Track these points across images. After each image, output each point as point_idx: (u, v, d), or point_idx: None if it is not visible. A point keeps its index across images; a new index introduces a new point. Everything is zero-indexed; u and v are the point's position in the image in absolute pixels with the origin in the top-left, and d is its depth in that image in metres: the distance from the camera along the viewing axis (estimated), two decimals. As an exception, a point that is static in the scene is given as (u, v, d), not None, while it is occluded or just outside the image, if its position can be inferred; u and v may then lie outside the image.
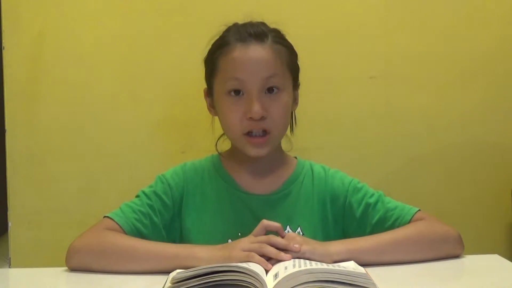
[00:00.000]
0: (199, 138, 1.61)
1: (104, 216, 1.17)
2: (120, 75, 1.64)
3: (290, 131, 1.31)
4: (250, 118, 1.16)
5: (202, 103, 1.31)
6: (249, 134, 1.18)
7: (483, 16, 1.67)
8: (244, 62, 1.17)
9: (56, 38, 1.63)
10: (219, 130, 1.32)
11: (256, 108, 1.15)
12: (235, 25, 1.24)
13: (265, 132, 1.18)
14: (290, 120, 1.27)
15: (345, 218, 1.24)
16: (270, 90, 1.18)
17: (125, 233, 1.15)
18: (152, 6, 1.63)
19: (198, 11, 1.63)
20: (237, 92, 1.18)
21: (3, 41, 1.62)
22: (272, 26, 1.24)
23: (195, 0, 1.63)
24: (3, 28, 1.62)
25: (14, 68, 1.63)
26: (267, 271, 0.97)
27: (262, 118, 1.16)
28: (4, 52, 1.63)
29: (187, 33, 1.62)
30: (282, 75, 1.20)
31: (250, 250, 1.02)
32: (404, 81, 1.67)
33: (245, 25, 1.22)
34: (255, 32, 1.19)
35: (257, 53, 1.18)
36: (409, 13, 1.66)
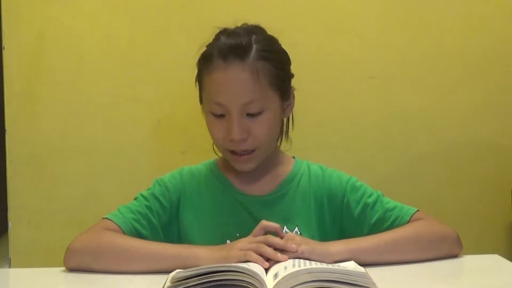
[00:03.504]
0: (199, 138, 1.61)
1: (102, 218, 1.17)
2: (120, 75, 1.64)
3: (285, 136, 1.30)
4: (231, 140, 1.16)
5: (203, 103, 1.31)
6: (233, 152, 1.18)
7: (483, 16, 1.66)
8: (223, 85, 1.15)
9: (56, 38, 1.63)
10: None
11: (235, 133, 1.14)
12: (223, 33, 1.19)
13: (249, 150, 1.17)
14: (280, 129, 1.25)
15: (343, 217, 1.24)
16: (250, 114, 1.16)
17: (124, 233, 1.14)
18: (152, 6, 1.63)
19: (198, 11, 1.63)
20: (219, 114, 1.17)
21: (3, 41, 1.62)
22: (269, 29, 1.22)
23: (195, 0, 1.64)
24: (3, 28, 1.62)
25: (14, 68, 1.63)
26: (266, 271, 0.98)
27: (243, 140, 1.16)
28: (4, 52, 1.63)
29: (187, 33, 1.62)
30: (262, 98, 1.16)
31: (247, 250, 1.02)
32: (404, 81, 1.67)
33: (230, 35, 1.18)
34: (237, 45, 1.15)
35: (236, 75, 1.14)
36: (409, 13, 1.66)
